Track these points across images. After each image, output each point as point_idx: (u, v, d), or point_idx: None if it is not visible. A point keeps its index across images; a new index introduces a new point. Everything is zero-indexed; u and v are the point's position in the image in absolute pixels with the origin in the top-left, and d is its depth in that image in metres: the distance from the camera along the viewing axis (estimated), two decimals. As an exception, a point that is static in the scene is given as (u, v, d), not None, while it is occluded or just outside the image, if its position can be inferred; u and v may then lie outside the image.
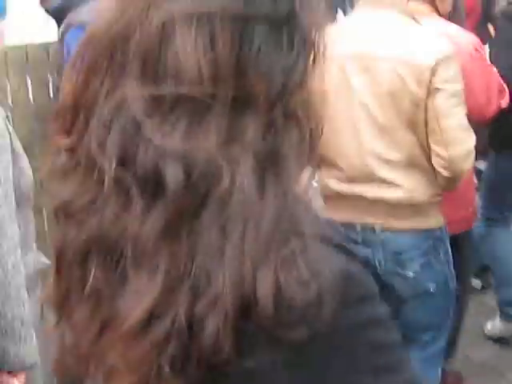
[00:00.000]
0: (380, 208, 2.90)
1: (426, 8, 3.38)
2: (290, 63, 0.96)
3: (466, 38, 3.42)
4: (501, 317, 4.50)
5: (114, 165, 0.92)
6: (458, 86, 2.82)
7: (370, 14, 2.92)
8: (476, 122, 3.22)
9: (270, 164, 0.93)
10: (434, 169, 2.86)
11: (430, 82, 2.76)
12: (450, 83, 2.78)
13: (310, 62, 0.98)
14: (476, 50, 3.41)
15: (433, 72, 2.75)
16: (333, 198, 3.02)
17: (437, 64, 2.75)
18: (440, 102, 2.77)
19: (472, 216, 3.76)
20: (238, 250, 0.88)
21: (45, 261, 2.43)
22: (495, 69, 3.60)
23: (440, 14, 3.44)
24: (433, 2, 3.42)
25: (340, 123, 2.89)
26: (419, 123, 2.81)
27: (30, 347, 2.27)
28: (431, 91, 2.76)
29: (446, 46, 2.85)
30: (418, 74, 2.76)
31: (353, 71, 2.87)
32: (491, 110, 3.49)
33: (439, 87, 2.76)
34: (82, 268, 0.98)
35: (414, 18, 2.94)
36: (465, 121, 2.84)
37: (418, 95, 2.77)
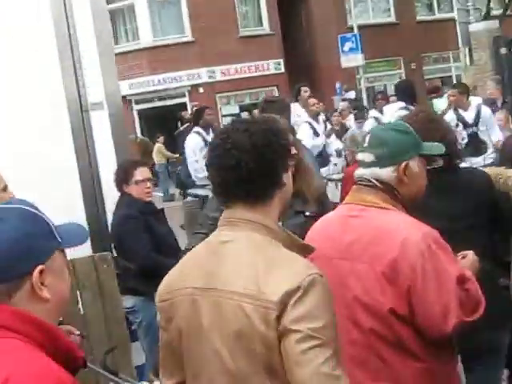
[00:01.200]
0: None
1: (378, 198, 3.07)
2: None
3: (420, 234, 2.93)
4: None
5: None
6: (317, 323, 2.25)
7: (223, 238, 2.52)
8: (433, 338, 2.93)
9: None
10: None
11: (278, 321, 2.27)
12: (304, 322, 2.24)
13: None
14: (430, 248, 2.90)
15: (281, 309, 2.26)
16: None
17: (285, 298, 2.26)
18: (291, 345, 2.25)
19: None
20: None
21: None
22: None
23: (401, 203, 3.10)
24: (389, 191, 3.09)
25: (196, 369, 2.53)
26: (278, 370, 2.30)
27: None
28: (282, 333, 2.26)
29: (302, 271, 2.32)
30: (264, 311, 2.29)
31: (203, 307, 2.46)
32: (450, 324, 2.89)
33: (290, 327, 2.25)
34: None
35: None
36: (326, 368, 2.22)
37: (268, 337, 2.28)
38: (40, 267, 1.95)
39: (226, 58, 26.84)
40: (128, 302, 5.45)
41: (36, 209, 2.08)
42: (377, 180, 3.10)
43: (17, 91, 5.25)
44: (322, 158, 10.21)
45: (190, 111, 22.58)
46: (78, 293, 4.78)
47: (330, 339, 2.27)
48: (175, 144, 18.35)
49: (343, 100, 17.34)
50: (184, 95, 27.61)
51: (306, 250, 2.58)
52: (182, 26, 27.35)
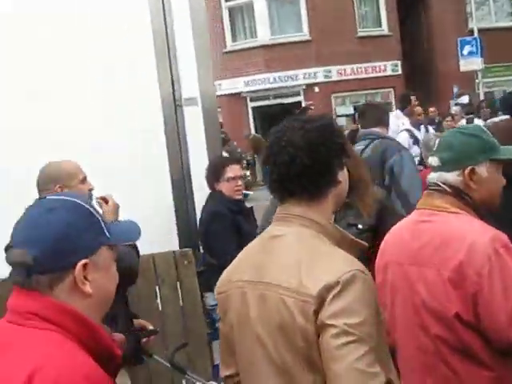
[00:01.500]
0: None
1: (447, 202, 3.00)
2: None
3: (487, 237, 2.82)
4: None
5: None
6: (354, 319, 2.26)
7: (275, 233, 2.58)
8: (500, 345, 2.80)
9: None
10: None
11: (317, 315, 2.30)
12: (341, 317, 2.26)
13: None
14: (497, 252, 2.79)
15: (319, 303, 2.30)
16: None
17: (323, 292, 2.29)
18: (327, 340, 2.27)
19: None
20: None
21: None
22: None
23: (471, 207, 2.99)
24: (458, 195, 3.01)
25: (246, 361, 2.60)
26: (317, 362, 2.33)
27: None
28: (319, 327, 2.29)
29: (343, 267, 2.35)
30: (303, 305, 2.32)
31: (250, 300, 2.52)
32: None
33: (327, 322, 2.27)
34: None
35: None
36: (361, 364, 2.22)
37: (307, 331, 2.31)
38: (84, 261, 1.94)
39: (342, 58, 26.67)
40: (211, 299, 5.43)
41: (87, 203, 2.07)
42: (445, 184, 3.03)
43: (111, 86, 5.31)
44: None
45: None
46: (156, 288, 4.78)
47: (367, 336, 2.27)
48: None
49: (456, 105, 16.98)
50: (299, 94, 27.56)
51: (357, 247, 2.62)
52: (300, 24, 27.31)
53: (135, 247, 4.09)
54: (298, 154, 2.48)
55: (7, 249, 1.96)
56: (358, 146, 6.20)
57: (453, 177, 3.01)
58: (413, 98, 11.34)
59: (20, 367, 1.79)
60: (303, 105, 25.41)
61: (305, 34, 27.17)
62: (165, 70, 5.51)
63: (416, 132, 10.36)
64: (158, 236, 4.91)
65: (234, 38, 27.85)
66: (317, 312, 2.29)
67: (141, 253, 4.11)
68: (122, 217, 4.33)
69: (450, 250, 2.87)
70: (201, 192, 5.60)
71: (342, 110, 27.33)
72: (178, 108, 5.53)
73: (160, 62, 5.48)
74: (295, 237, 2.51)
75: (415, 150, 9.90)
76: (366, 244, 2.72)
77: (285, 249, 2.50)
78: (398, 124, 10.52)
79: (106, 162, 5.10)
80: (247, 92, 27.32)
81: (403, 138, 9.69)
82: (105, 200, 4.20)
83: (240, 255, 2.75)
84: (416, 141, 9.96)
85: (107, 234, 2.04)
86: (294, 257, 2.45)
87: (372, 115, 6.51)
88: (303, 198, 2.53)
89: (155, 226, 5.03)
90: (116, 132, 5.27)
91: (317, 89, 27.13)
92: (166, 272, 4.83)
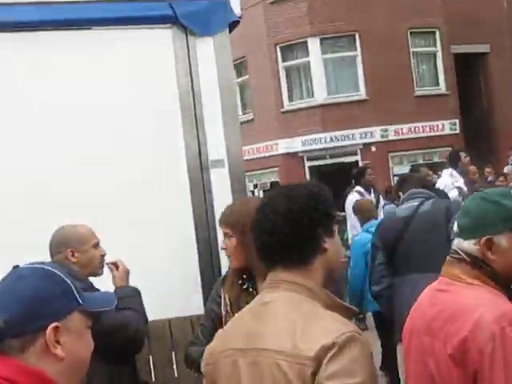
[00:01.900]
0: None
1: (464, 272, 2.84)
2: None
3: (495, 313, 2.64)
4: None
5: None
6: (353, 380, 2.24)
7: (265, 299, 2.58)
8: None
9: None
10: None
11: (314, 377, 2.27)
12: (340, 378, 2.24)
13: None
14: (503, 331, 2.59)
15: (316, 365, 2.27)
16: None
17: (320, 354, 2.28)
18: None
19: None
20: None
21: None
22: None
23: (490, 277, 2.81)
24: (476, 264, 2.81)
25: None
26: None
27: None
28: None
29: (339, 328, 2.34)
30: (299, 368, 2.29)
31: (242, 367, 2.49)
32: None
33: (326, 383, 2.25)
34: None
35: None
36: None
37: None
38: (54, 324, 1.99)
39: (399, 117, 26.53)
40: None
41: (62, 271, 2.13)
42: (463, 252, 2.85)
43: (137, 146, 5.32)
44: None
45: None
46: (172, 354, 4.71)
47: None
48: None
49: (510, 164, 16.70)
50: (356, 153, 27.43)
51: (347, 312, 2.59)
52: (356, 84, 27.29)
53: (144, 314, 4.07)
54: (279, 222, 2.48)
55: None
56: (413, 203, 6.14)
57: (469, 245, 2.82)
58: (462, 154, 11.16)
59: None
60: (360, 164, 25.32)
61: (361, 93, 27.16)
62: (191, 132, 5.51)
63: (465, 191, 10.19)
64: (179, 301, 4.88)
65: (291, 97, 27.95)
66: (314, 374, 2.26)
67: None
68: (149, 282, 4.34)
69: (456, 324, 2.72)
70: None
71: (400, 169, 27.08)
72: (205, 170, 5.52)
73: (186, 123, 5.49)
74: (285, 301, 2.49)
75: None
76: (356, 309, 2.70)
77: (276, 314, 2.48)
78: (452, 182, 10.39)
79: (131, 226, 5.10)
80: (304, 151, 27.32)
81: (452, 196, 9.55)
82: (115, 265, 4.20)
83: (228, 325, 2.74)
84: (466, 200, 9.79)
85: (79, 300, 2.09)
86: (286, 321, 2.43)
87: (414, 181, 6.51)
88: (288, 265, 2.53)
89: (179, 289, 5.02)
90: (141, 196, 5.27)
91: (374, 148, 26.98)
92: (183, 337, 4.76)
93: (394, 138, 27.18)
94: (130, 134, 5.32)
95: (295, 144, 27.36)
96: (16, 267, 2.15)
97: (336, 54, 27.46)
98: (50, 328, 1.99)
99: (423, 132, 27.49)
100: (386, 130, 27.06)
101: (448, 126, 27.95)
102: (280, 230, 2.47)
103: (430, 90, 28.07)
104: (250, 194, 30.34)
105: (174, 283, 5.08)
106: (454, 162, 11.06)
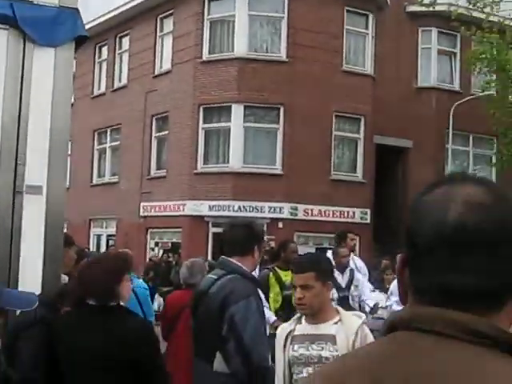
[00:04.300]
0: None
1: None
2: None
3: None
4: None
5: None
6: None
7: None
8: None
9: None
10: None
11: None
12: None
13: None
14: None
15: None
16: None
17: None
18: None
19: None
20: None
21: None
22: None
23: None
24: None
25: None
26: None
27: None
28: None
29: None
30: None
31: None
32: None
33: None
34: None
35: None
36: None
37: None
38: None
39: (311, 198, 26.21)
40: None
41: None
42: None
43: None
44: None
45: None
46: None
47: None
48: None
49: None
50: (263, 227, 26.94)
51: None
52: (273, 157, 26.92)
53: None
54: None
55: None
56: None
57: None
58: (350, 236, 10.94)
59: None
60: (264, 238, 24.77)
61: (277, 167, 26.79)
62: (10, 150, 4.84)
63: (337, 275, 9.80)
64: None
65: (206, 160, 27.47)
66: None
67: None
68: None
69: None
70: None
71: (304, 250, 26.60)
72: (17, 194, 4.82)
73: (5, 137, 4.82)
74: None
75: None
76: None
77: None
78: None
79: None
80: (210, 216, 26.72)
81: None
82: None
83: None
84: (335, 284, 9.28)
85: None
86: None
87: (237, 238, 5.38)
88: None
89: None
90: None
91: (281, 224, 26.50)
92: None
93: (303, 217, 26.79)
94: None
95: (203, 208, 26.79)
96: None
97: (258, 123, 27.17)
98: None
99: (333, 216, 27.15)
100: (296, 209, 26.66)
101: (359, 215, 27.74)
102: None
103: (346, 176, 27.90)
104: (150, 251, 29.55)
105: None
106: (338, 241, 10.92)
